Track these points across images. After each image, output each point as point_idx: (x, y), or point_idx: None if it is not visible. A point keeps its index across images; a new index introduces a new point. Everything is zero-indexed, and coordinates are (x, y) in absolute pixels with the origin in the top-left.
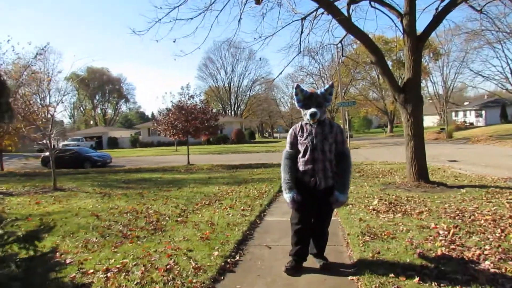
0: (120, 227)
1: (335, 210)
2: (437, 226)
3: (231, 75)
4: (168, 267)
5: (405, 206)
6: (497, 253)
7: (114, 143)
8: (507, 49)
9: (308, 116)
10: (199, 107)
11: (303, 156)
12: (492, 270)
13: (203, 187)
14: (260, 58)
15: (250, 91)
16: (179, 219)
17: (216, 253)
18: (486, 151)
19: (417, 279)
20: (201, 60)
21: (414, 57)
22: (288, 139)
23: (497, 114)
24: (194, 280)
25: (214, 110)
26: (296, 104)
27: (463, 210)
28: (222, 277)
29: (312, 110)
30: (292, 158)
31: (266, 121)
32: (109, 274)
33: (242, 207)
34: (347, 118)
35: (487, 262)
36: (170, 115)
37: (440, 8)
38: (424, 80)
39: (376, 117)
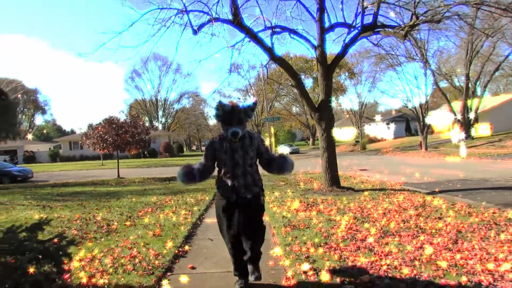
0: (75, 232)
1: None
2: (341, 219)
3: (158, 88)
4: (132, 255)
5: (320, 206)
6: (379, 233)
7: (30, 158)
8: (407, 72)
9: (229, 136)
10: (129, 121)
11: (226, 171)
12: (373, 244)
13: (142, 198)
14: (188, 73)
15: (178, 104)
16: (127, 223)
17: (169, 245)
18: (391, 161)
19: (322, 251)
20: (127, 73)
21: (325, 82)
22: (206, 152)
23: (403, 127)
24: (157, 262)
25: (145, 124)
26: (216, 118)
27: (363, 207)
28: (177, 260)
29: (234, 129)
30: (204, 170)
31: (194, 134)
32: (83, 263)
33: (183, 212)
34: (273, 132)
35: (370, 239)
36: (100, 128)
37: (347, 40)
38: (341, 96)
39: (299, 130)
